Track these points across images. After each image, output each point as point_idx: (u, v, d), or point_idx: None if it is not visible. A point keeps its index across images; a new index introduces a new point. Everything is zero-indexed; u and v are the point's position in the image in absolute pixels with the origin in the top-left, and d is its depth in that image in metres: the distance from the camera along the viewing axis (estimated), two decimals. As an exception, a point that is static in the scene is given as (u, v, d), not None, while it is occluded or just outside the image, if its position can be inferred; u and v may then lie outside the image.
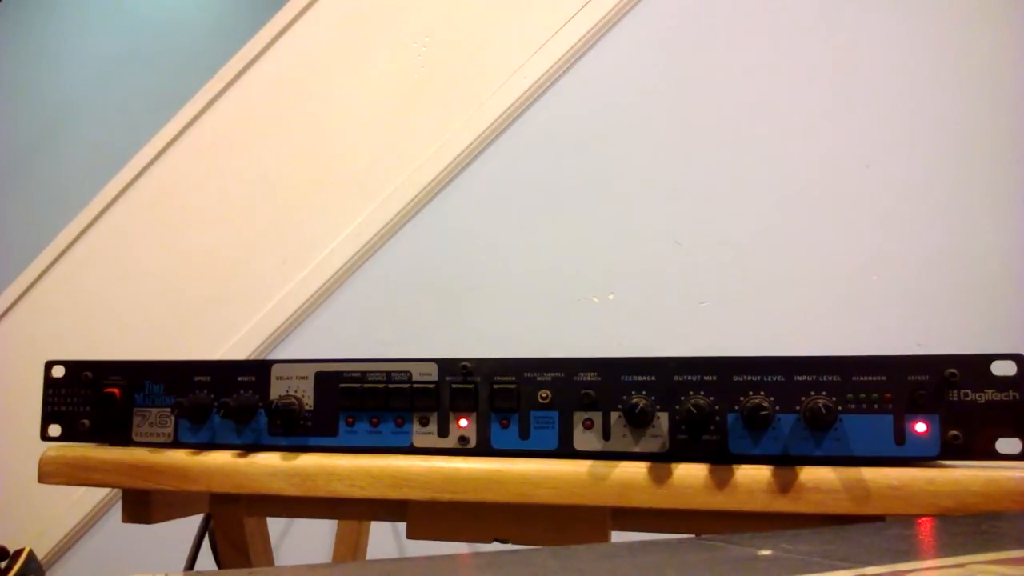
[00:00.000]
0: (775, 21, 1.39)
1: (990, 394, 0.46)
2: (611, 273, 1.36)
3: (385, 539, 1.27)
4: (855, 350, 0.48)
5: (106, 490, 1.40)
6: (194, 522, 0.80)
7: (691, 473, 0.48)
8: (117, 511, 1.34)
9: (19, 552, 0.52)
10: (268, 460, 0.55)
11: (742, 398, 0.49)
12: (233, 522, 0.65)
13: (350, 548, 0.97)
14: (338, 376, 0.57)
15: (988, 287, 1.26)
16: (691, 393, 0.50)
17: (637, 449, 0.51)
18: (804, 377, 0.49)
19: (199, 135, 1.57)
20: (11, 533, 1.47)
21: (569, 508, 0.50)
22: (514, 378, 0.53)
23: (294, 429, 0.57)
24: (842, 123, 1.35)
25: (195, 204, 1.56)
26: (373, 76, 1.52)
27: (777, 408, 0.48)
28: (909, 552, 0.30)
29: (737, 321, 1.32)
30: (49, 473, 0.58)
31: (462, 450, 0.54)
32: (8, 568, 0.53)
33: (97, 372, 0.61)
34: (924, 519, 0.43)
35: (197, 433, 0.59)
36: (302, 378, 0.57)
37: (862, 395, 0.48)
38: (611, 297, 1.36)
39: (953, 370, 0.47)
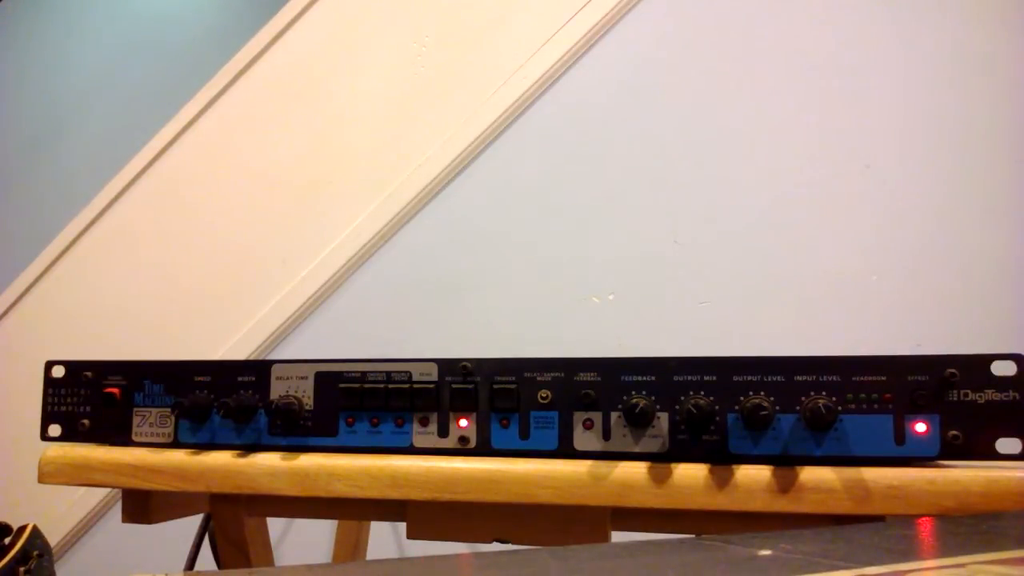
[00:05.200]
0: (775, 21, 1.39)
1: (990, 394, 0.46)
2: (611, 273, 1.36)
3: (385, 539, 1.27)
4: (855, 350, 0.48)
5: (106, 490, 1.40)
6: (194, 522, 0.80)
7: (691, 473, 0.48)
8: (117, 511, 1.34)
9: (23, 528, 0.53)
10: (268, 460, 0.55)
11: (742, 398, 0.49)
12: (233, 522, 0.65)
13: (350, 548, 0.97)
14: (338, 376, 0.57)
15: (988, 287, 1.26)
16: (691, 393, 0.50)
17: (637, 449, 0.51)
18: (804, 377, 0.49)
19: (200, 134, 1.57)
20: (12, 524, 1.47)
21: (569, 508, 0.50)
22: (514, 378, 0.53)
23: (294, 429, 0.57)
24: (842, 123, 1.35)
25: (195, 203, 1.56)
26: (374, 76, 1.52)
27: (777, 408, 0.48)
28: (909, 552, 0.30)
29: (737, 321, 1.32)
30: (49, 473, 0.58)
31: (462, 450, 0.54)
32: (12, 544, 0.53)
33: (97, 372, 0.61)
34: (924, 519, 0.43)
35: (197, 433, 0.59)
36: (302, 378, 0.57)
37: (862, 395, 0.48)
38: (611, 297, 1.36)
39: (953, 370, 0.47)
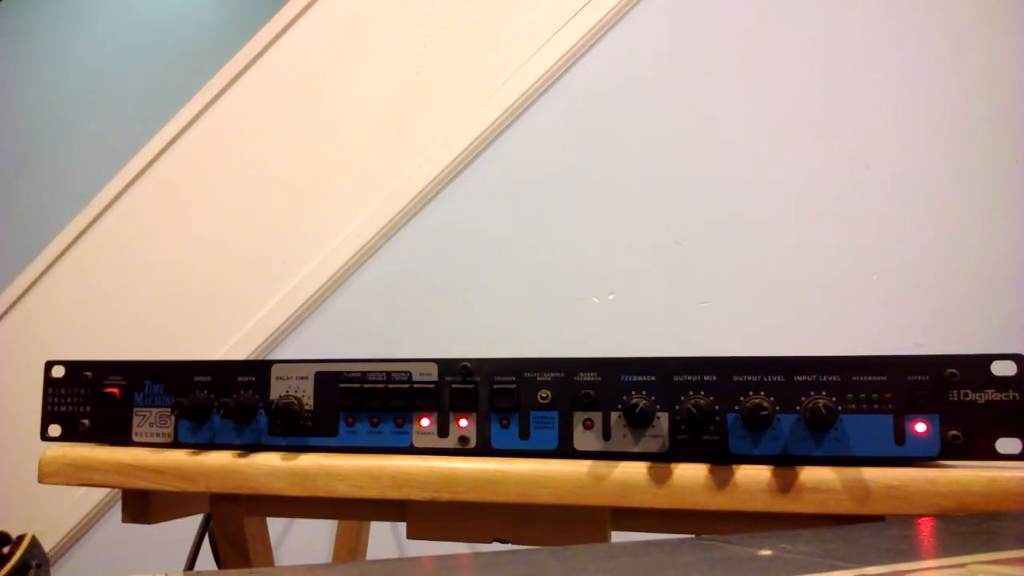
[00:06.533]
0: (775, 21, 1.39)
1: (990, 394, 0.46)
2: (611, 273, 1.36)
3: (385, 539, 1.27)
4: (855, 350, 0.48)
5: (106, 490, 1.40)
6: (194, 522, 0.80)
7: (691, 473, 0.48)
8: (117, 511, 1.34)
9: (21, 538, 0.52)
10: (268, 460, 0.55)
11: (742, 398, 0.49)
12: (233, 522, 0.65)
13: (350, 548, 0.97)
14: (338, 376, 0.57)
15: (988, 287, 1.26)
16: (691, 393, 0.50)
17: (637, 449, 0.51)
18: (804, 377, 0.49)
19: (200, 134, 1.57)
20: (11, 533, 1.47)
21: (569, 508, 0.50)
22: (514, 378, 0.53)
23: (294, 429, 0.57)
24: (842, 123, 1.35)
25: (195, 204, 1.56)
26: (373, 76, 1.52)
27: (777, 408, 0.48)
28: (909, 552, 0.30)
29: (737, 321, 1.32)
30: (49, 473, 0.58)
31: (462, 450, 0.54)
32: (11, 554, 0.53)
33: (97, 372, 0.61)
34: (924, 519, 0.43)
35: (197, 433, 0.59)
36: (302, 378, 0.57)
37: (862, 395, 0.48)
38: (611, 297, 1.36)
39: (953, 370, 0.47)
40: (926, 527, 0.37)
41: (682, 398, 0.50)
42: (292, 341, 1.46)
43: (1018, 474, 0.44)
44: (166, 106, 1.61)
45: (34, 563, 0.52)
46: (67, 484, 0.58)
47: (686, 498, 0.48)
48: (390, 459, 0.53)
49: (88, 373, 0.61)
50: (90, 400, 0.61)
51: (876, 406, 0.47)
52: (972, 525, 0.36)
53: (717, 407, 0.49)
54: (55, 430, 0.61)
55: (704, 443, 0.49)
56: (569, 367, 0.53)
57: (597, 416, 0.52)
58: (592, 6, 1.42)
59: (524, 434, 0.53)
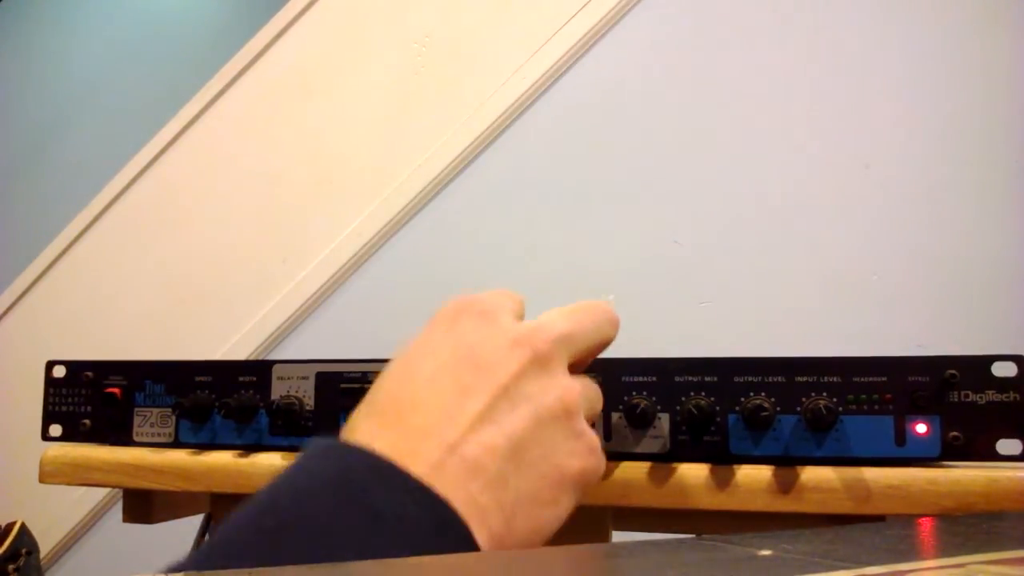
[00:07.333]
0: (775, 21, 1.39)
1: (991, 395, 0.46)
2: (611, 273, 1.36)
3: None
4: (855, 351, 0.48)
5: (106, 490, 1.40)
6: (194, 522, 0.80)
7: (692, 473, 0.48)
8: (117, 511, 1.34)
9: (11, 525, 0.52)
10: (269, 460, 0.55)
11: (743, 399, 0.49)
12: (234, 522, 0.64)
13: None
14: (339, 376, 0.57)
15: (988, 287, 1.26)
16: (692, 394, 0.50)
17: (638, 449, 0.51)
18: (805, 378, 0.48)
19: (200, 134, 1.57)
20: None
21: (570, 508, 0.50)
22: (515, 378, 0.53)
23: (295, 429, 0.57)
24: (842, 123, 1.35)
25: (195, 203, 1.56)
26: (373, 76, 1.52)
27: (778, 409, 0.48)
28: (909, 552, 0.30)
29: (737, 321, 1.32)
30: (50, 473, 0.58)
31: (463, 450, 0.53)
32: (0, 541, 0.52)
33: (98, 372, 0.61)
34: (924, 519, 0.43)
35: (198, 433, 0.59)
36: (303, 378, 0.57)
37: (863, 396, 0.48)
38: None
39: (953, 371, 0.46)
40: (926, 527, 0.37)
41: (683, 399, 0.50)
42: (292, 341, 1.47)
43: (1018, 474, 0.44)
44: (166, 106, 1.61)
45: (24, 550, 0.52)
46: (68, 484, 0.58)
47: (687, 498, 0.48)
48: (391, 459, 0.53)
49: (89, 373, 0.61)
50: (91, 400, 0.61)
51: (877, 407, 0.47)
52: (972, 525, 0.36)
53: (718, 408, 0.49)
54: (56, 430, 0.61)
55: (705, 444, 0.49)
56: (570, 367, 0.52)
57: (598, 416, 0.52)
58: (592, 6, 1.42)
59: (525, 434, 0.53)
